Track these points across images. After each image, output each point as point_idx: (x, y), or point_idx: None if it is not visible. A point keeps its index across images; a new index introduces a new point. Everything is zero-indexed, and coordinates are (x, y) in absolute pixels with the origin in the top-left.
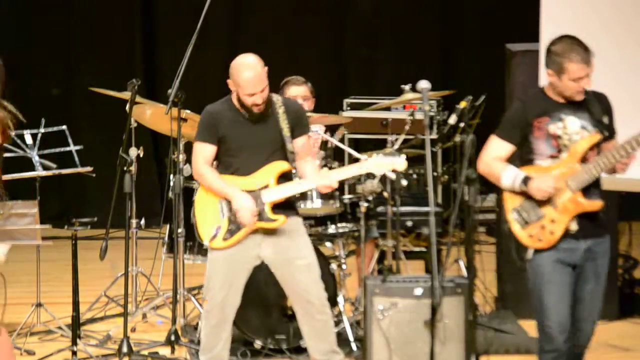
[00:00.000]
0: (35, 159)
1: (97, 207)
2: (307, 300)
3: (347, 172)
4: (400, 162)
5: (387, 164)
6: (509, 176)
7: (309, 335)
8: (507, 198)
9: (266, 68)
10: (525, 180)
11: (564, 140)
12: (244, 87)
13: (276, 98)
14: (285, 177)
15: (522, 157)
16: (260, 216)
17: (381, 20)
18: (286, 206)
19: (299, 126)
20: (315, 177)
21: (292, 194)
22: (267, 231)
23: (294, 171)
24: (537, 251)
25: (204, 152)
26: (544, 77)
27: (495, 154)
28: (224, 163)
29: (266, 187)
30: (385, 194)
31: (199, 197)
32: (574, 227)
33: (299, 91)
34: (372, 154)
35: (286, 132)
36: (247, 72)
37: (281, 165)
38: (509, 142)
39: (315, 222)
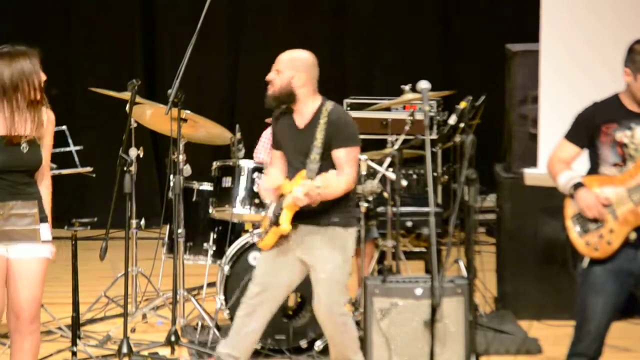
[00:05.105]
0: None
1: (97, 207)
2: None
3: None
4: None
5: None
6: (563, 178)
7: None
8: (568, 205)
9: (299, 63)
10: (577, 186)
11: (630, 149)
12: None
13: (326, 107)
14: None
15: (590, 162)
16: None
17: (381, 21)
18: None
19: (336, 139)
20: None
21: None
22: (301, 233)
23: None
24: (593, 260)
25: None
26: (544, 77)
27: (561, 156)
28: None
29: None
30: (385, 194)
31: None
32: (633, 236)
33: None
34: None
35: (318, 143)
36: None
37: (301, 175)
38: (575, 144)
39: None
